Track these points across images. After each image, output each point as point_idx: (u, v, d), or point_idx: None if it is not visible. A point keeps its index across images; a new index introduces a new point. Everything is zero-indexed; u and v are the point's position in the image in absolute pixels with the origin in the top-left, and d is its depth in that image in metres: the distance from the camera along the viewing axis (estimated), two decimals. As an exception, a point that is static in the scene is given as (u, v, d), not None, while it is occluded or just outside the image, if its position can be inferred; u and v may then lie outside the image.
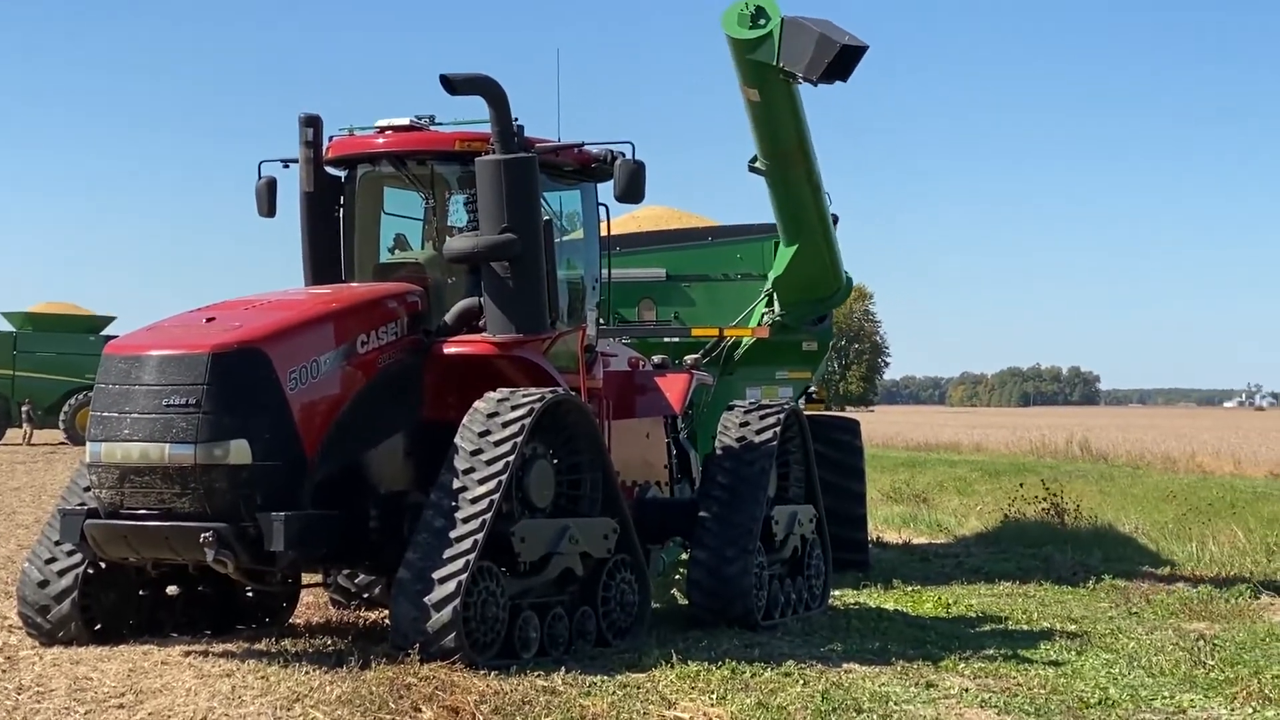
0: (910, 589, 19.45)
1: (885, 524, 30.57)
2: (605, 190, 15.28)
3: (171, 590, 14.49)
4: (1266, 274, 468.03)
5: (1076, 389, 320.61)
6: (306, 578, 15.42)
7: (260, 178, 15.38)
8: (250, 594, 14.89)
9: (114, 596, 13.93)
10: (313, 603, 16.55)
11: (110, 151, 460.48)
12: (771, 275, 20.81)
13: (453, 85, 13.96)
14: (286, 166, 15.26)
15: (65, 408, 54.14)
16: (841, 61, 17.11)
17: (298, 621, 15.50)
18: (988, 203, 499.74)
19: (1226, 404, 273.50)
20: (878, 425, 75.44)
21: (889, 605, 18.07)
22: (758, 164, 19.25)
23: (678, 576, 18.17)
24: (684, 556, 17.25)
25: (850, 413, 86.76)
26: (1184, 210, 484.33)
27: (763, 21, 17.38)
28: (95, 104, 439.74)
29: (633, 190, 14.65)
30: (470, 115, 14.79)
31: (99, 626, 13.77)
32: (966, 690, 12.60)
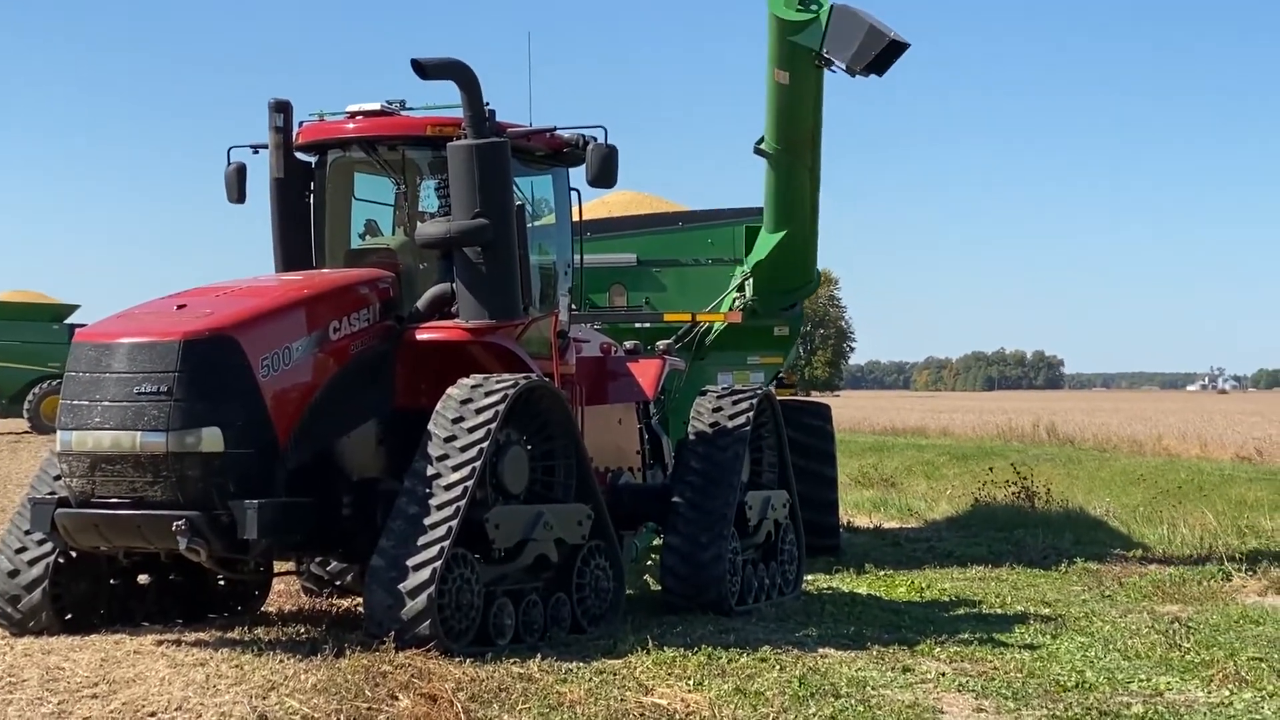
0: (883, 573, 19.45)
1: (856, 508, 30.53)
2: (578, 175, 15.27)
3: (143, 579, 14.39)
4: (1227, 257, 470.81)
5: (1040, 373, 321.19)
6: (279, 565, 15.32)
7: (229, 163, 15.27)
8: (222, 582, 14.80)
9: (85, 586, 13.82)
10: (285, 590, 16.45)
11: (78, 136, 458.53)
12: (751, 260, 20.79)
13: (424, 70, 13.86)
14: (256, 152, 15.16)
15: (30, 396, 53.76)
16: (885, 55, 17.33)
17: (270, 610, 15.40)
18: (951, 187, 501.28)
19: (1189, 387, 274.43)
20: (844, 410, 75.30)
21: (862, 590, 18.06)
22: (764, 147, 19.26)
23: (650, 563, 18.14)
24: (657, 542, 17.21)
25: (816, 397, 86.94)
26: (1145, 194, 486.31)
27: (812, 6, 17.53)
28: (59, 86, 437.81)
29: (605, 175, 14.59)
30: (442, 100, 14.74)
31: (70, 616, 13.66)
32: (944, 674, 12.59)
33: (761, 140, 19.31)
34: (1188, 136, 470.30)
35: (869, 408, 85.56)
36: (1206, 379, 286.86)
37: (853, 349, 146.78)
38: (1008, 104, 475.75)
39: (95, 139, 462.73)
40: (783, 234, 20.12)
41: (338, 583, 16.10)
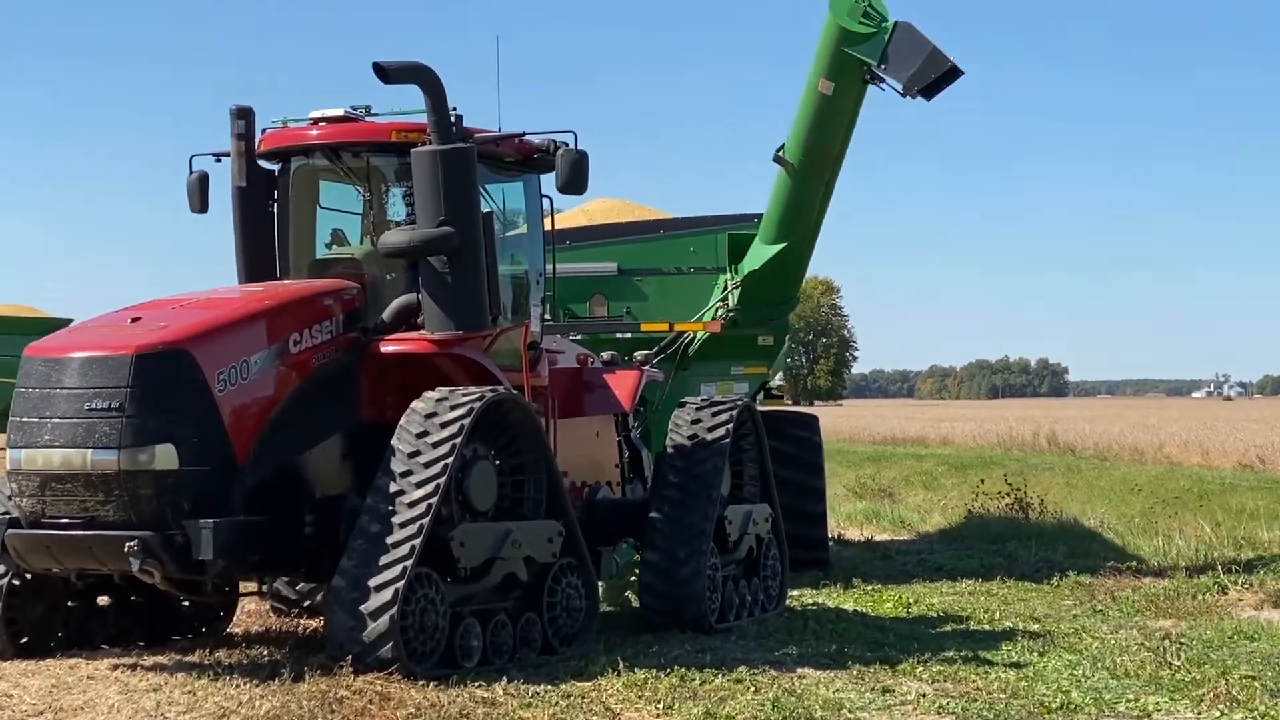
0: (870, 588, 19.03)
1: (847, 520, 30.15)
2: (549, 182, 14.85)
3: (103, 601, 13.99)
4: (1234, 264, 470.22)
5: (1045, 381, 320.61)
6: (244, 586, 14.89)
7: (191, 172, 14.89)
8: (186, 604, 14.39)
9: (41, 608, 13.44)
10: (255, 610, 16.03)
11: (74, 145, 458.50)
12: (744, 268, 20.42)
13: (386, 74, 13.47)
14: (219, 160, 14.79)
15: (19, 412, 53.39)
16: (941, 80, 17.67)
17: (236, 630, 15.00)
18: (955, 196, 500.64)
19: (1195, 394, 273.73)
20: (845, 419, 75.09)
21: (848, 605, 17.65)
22: (785, 155, 19.17)
23: (634, 579, 17.71)
24: (637, 558, 16.80)
25: (819, 407, 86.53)
26: (1151, 201, 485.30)
27: (875, 20, 17.69)
28: (51, 97, 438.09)
29: (575, 180, 14.19)
30: (409, 105, 14.33)
31: (26, 640, 13.28)
32: (924, 695, 12.15)
33: (782, 147, 19.22)
34: (1194, 142, 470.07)
35: (870, 417, 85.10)
36: (1212, 386, 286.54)
37: (855, 358, 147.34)
38: (1012, 111, 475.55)
39: (92, 148, 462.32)
40: (782, 246, 19.93)
41: (306, 603, 15.67)
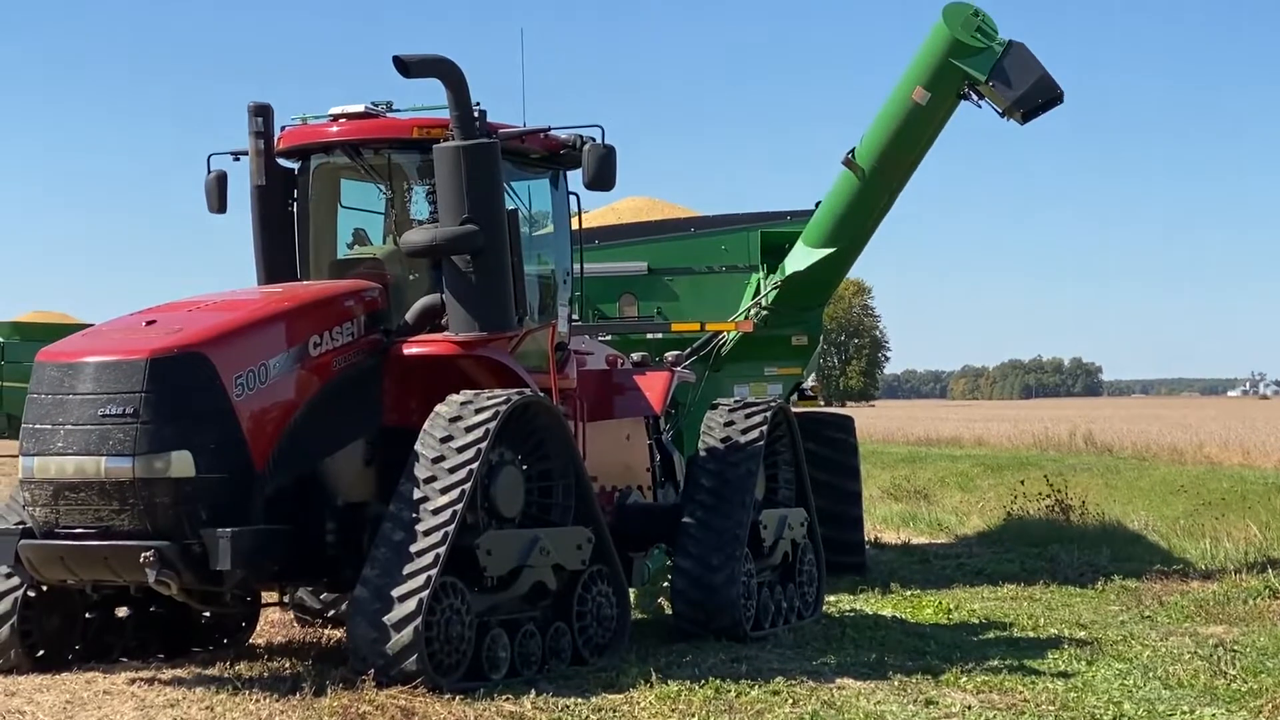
0: (909, 593, 18.57)
1: (884, 523, 29.69)
2: (576, 179, 14.45)
3: (121, 612, 13.60)
4: (1268, 261, 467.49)
5: (1079, 380, 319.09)
6: (266, 596, 14.49)
7: (210, 171, 14.51)
8: (207, 615, 13.99)
9: (57, 621, 13.04)
10: (279, 620, 15.64)
11: (105, 154, 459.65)
12: (787, 268, 20.00)
13: (407, 67, 13.05)
14: (237, 159, 14.38)
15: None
16: (1045, 106, 17.73)
17: (259, 642, 14.58)
18: (987, 194, 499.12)
19: (1230, 393, 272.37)
20: (878, 420, 74.47)
21: (886, 612, 17.17)
22: (856, 159, 18.88)
23: (666, 585, 17.29)
24: (669, 564, 16.37)
25: (851, 408, 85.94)
26: (1183, 198, 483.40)
27: (989, 36, 17.69)
28: (81, 104, 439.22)
29: (603, 177, 13.76)
30: (431, 101, 13.88)
31: (42, 653, 12.88)
32: (969, 708, 11.67)
33: (853, 152, 18.88)
34: (1226, 138, 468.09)
35: (903, 418, 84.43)
36: (1248, 384, 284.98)
37: (888, 358, 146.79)
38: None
39: (126, 157, 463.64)
40: (832, 251, 19.59)
41: (331, 612, 15.27)
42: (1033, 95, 17.70)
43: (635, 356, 16.50)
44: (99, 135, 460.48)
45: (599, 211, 21.68)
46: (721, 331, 20.13)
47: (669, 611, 15.54)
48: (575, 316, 15.19)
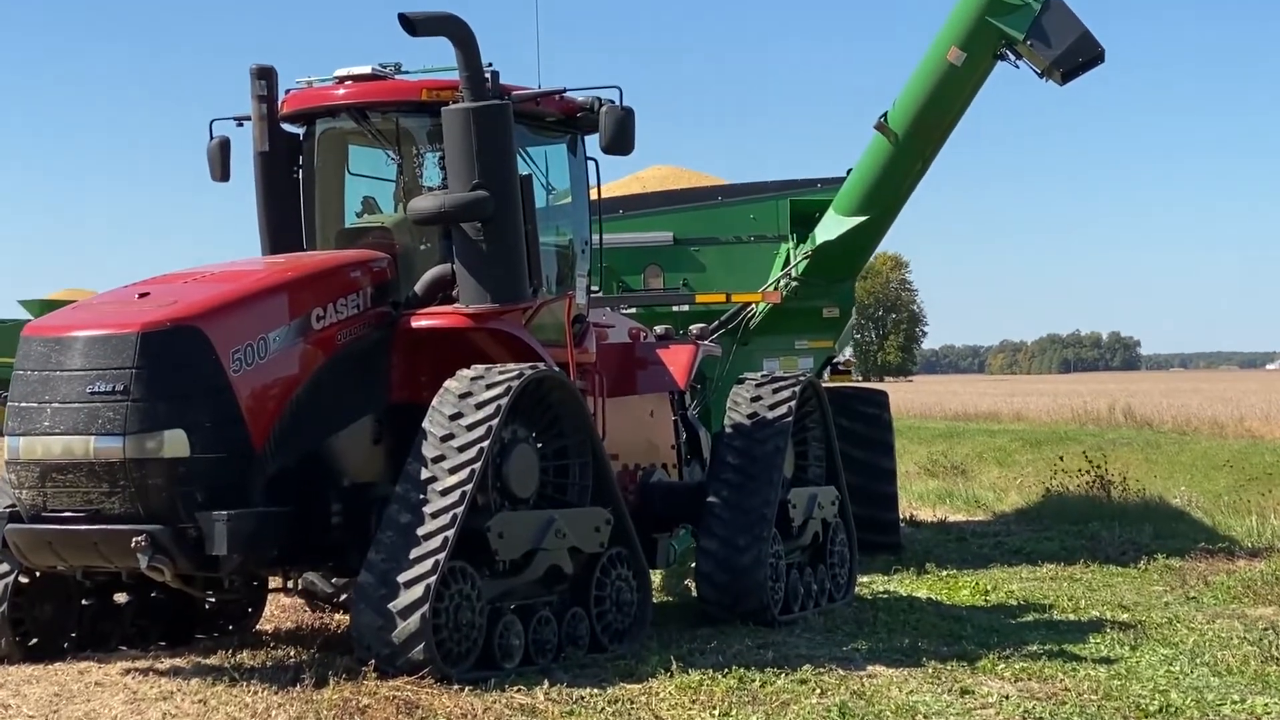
0: (945, 574, 17.95)
1: (920, 500, 29.05)
2: (593, 144, 13.78)
3: (120, 598, 13.03)
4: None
5: (1117, 354, 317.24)
6: (273, 580, 13.89)
7: (212, 138, 13.92)
8: (211, 600, 13.39)
9: (50, 608, 12.49)
10: (289, 604, 15.05)
11: (135, 132, 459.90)
12: (818, 237, 19.36)
13: (413, 25, 12.40)
14: (240, 124, 13.81)
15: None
16: (1085, 65, 17.12)
17: (266, 627, 14.02)
18: (1024, 168, 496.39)
19: (1269, 366, 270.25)
20: (916, 395, 73.64)
21: (921, 593, 16.55)
22: (889, 123, 18.25)
23: (694, 565, 16.69)
24: (693, 545, 15.77)
25: (889, 383, 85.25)
26: (1221, 171, 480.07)
27: None
28: (105, 83, 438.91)
29: (621, 140, 13.08)
30: (442, 62, 13.22)
31: (35, 642, 12.33)
32: (1007, 698, 11.02)
33: (885, 115, 18.24)
34: (1262, 108, 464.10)
35: (942, 392, 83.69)
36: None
37: (925, 333, 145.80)
38: (1082, 81, 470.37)
39: (148, 135, 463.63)
40: (864, 219, 18.94)
41: (342, 596, 14.65)
42: (1073, 54, 17.04)
43: (659, 329, 15.88)
44: (130, 110, 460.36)
45: (623, 181, 21.11)
46: (749, 303, 19.50)
47: (695, 594, 14.94)
48: (595, 288, 14.54)
